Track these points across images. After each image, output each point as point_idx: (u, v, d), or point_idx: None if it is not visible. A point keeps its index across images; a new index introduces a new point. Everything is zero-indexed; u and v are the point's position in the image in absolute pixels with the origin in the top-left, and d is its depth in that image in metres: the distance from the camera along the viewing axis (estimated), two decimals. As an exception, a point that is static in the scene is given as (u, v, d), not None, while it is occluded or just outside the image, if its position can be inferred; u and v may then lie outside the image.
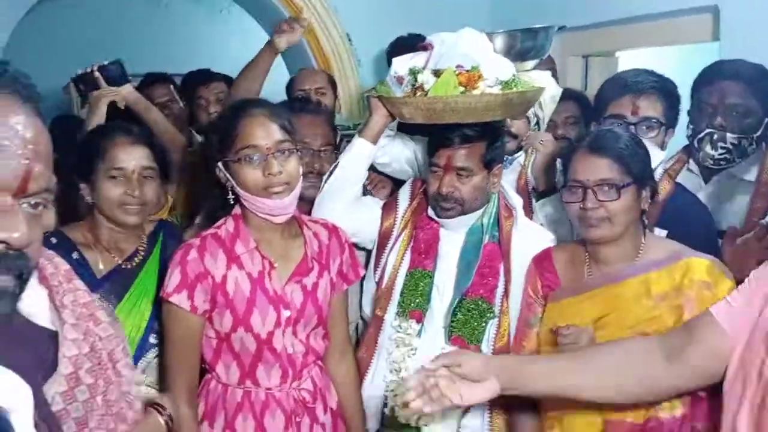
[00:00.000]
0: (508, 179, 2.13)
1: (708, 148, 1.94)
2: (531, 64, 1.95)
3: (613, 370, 1.37)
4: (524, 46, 1.89)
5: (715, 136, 1.92)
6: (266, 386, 1.60)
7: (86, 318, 1.19)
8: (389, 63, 2.84)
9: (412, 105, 1.69)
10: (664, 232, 1.84)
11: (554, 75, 2.71)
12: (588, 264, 1.69)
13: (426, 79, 1.67)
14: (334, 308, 1.70)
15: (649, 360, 1.34)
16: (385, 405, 1.81)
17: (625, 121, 1.91)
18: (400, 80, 1.74)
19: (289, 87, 2.73)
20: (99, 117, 2.10)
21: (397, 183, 2.13)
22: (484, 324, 1.75)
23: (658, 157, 1.81)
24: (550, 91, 2.07)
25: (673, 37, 2.84)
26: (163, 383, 1.62)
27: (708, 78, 1.97)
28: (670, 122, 1.95)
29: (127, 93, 2.22)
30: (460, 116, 1.66)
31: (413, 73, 1.70)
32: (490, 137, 1.77)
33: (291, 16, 2.24)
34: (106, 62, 2.18)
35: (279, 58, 3.87)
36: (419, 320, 1.79)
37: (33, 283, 1.13)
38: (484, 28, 1.85)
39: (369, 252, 1.97)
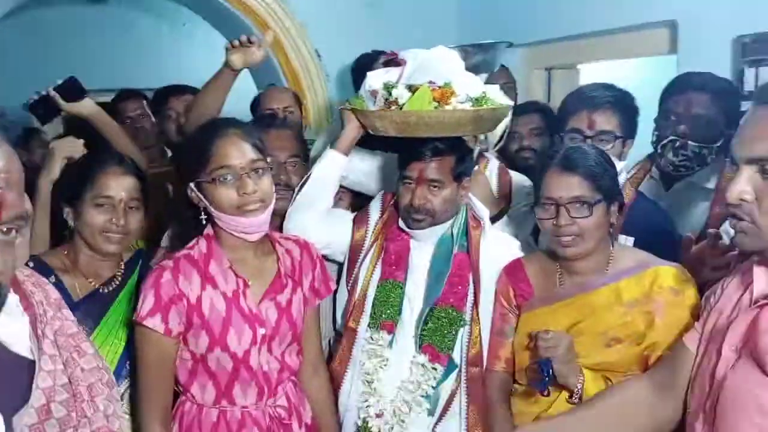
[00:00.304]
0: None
1: (670, 155, 2.02)
2: (482, 77, 2.00)
3: (614, 428, 1.47)
4: (476, 60, 1.94)
5: (677, 143, 1.99)
6: (242, 404, 1.59)
7: (71, 348, 1.18)
8: (354, 79, 2.90)
9: (387, 118, 1.72)
10: (630, 239, 1.90)
11: (514, 89, 2.78)
12: (560, 273, 1.73)
13: (400, 93, 1.70)
14: (306, 324, 1.71)
15: (646, 405, 1.42)
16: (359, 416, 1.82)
17: (583, 135, 1.98)
18: (374, 94, 1.77)
19: (255, 105, 2.71)
20: (53, 174, 1.88)
21: (357, 196, 2.16)
22: (454, 332, 1.78)
23: (617, 167, 1.86)
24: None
25: (633, 50, 2.92)
26: (135, 408, 1.59)
27: (676, 88, 2.06)
28: (627, 134, 2.02)
29: (88, 107, 2.13)
30: (433, 130, 1.70)
31: (387, 87, 1.73)
32: (459, 151, 1.81)
33: (248, 35, 2.08)
34: (59, 81, 2.10)
35: (246, 72, 3.89)
36: (390, 331, 1.81)
37: (15, 310, 1.12)
38: (451, 44, 1.90)
39: (340, 265, 1.98)
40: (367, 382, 1.80)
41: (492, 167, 2.21)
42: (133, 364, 1.64)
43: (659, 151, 2.05)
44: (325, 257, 1.87)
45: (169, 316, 1.52)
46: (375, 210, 1.95)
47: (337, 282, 1.92)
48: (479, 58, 1.94)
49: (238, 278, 1.58)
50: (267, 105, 2.61)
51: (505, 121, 2.01)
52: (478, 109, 1.72)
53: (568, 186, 1.61)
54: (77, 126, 2.77)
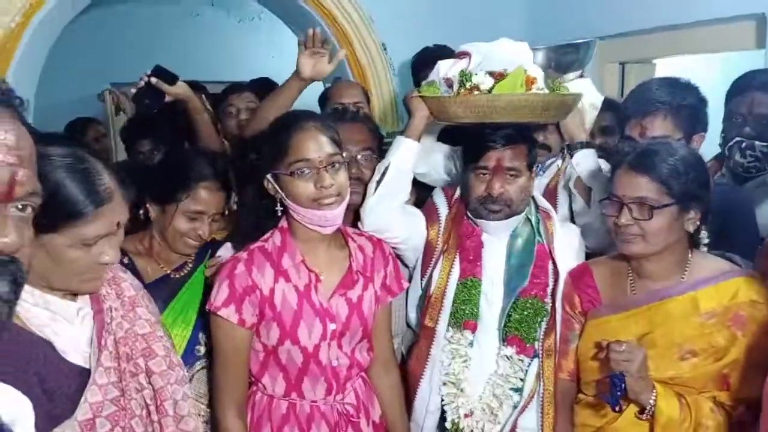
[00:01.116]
0: (540, 183, 2.13)
1: (737, 156, 2.00)
2: (572, 76, 1.96)
3: None
4: (566, 59, 1.92)
5: (744, 144, 1.98)
6: (311, 399, 1.60)
7: (137, 354, 1.22)
8: (414, 72, 2.88)
9: (469, 104, 1.69)
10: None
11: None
12: (631, 278, 1.67)
13: (482, 80, 1.68)
14: (378, 321, 1.70)
15: None
16: (443, 418, 1.80)
17: (636, 143, 1.89)
18: (448, 82, 1.75)
19: (324, 98, 2.70)
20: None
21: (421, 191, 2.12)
22: (539, 323, 1.77)
23: None
24: (590, 98, 2.06)
25: (716, 44, 2.79)
26: (212, 396, 1.62)
27: (739, 88, 2.03)
28: (689, 132, 1.92)
29: (186, 89, 2.17)
30: (517, 115, 1.68)
31: (465, 75, 1.70)
32: (530, 139, 1.82)
33: (320, 34, 2.05)
34: (148, 72, 2.14)
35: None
36: (474, 330, 1.79)
37: (75, 317, 1.17)
38: (521, 37, 1.86)
39: (405, 263, 1.96)
40: (452, 383, 1.78)
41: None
42: (209, 351, 1.67)
43: (727, 153, 2.03)
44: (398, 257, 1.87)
45: (243, 307, 1.53)
46: (442, 205, 1.92)
47: (409, 280, 1.92)
48: (571, 57, 1.92)
49: (310, 272, 1.59)
50: (337, 99, 2.59)
51: (593, 114, 1.98)
52: (563, 94, 1.73)
53: (634, 186, 1.56)
54: (144, 118, 2.85)
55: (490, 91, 1.67)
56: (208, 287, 1.67)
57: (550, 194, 2.09)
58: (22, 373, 1.05)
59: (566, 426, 1.75)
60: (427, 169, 2.07)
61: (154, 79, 2.07)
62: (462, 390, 1.78)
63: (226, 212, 1.80)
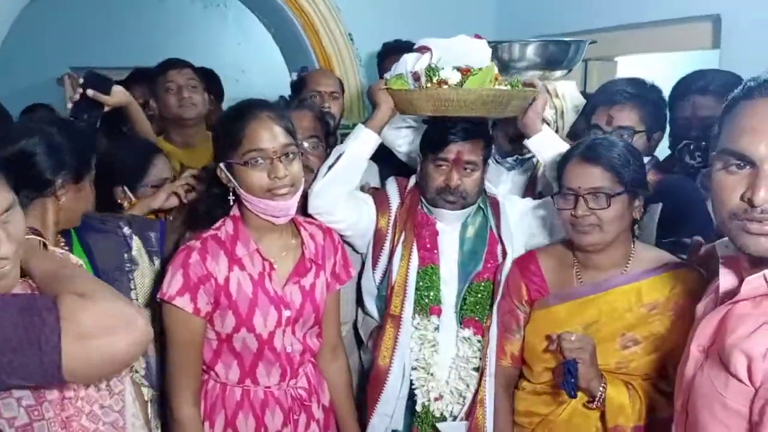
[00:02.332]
0: (518, 180, 2.20)
1: (687, 158, 2.05)
2: (558, 74, 1.98)
3: None
4: (556, 56, 1.95)
5: (692, 147, 2.02)
6: (265, 385, 1.61)
7: None
8: (379, 66, 2.87)
9: (435, 97, 1.71)
10: (658, 206, 1.87)
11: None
12: (577, 268, 1.70)
13: (449, 75, 1.71)
14: (327, 308, 1.72)
15: None
16: (413, 402, 1.84)
17: (602, 131, 1.97)
18: (416, 76, 1.77)
19: (299, 85, 2.69)
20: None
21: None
22: (491, 303, 1.83)
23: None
24: (574, 100, 2.10)
25: (673, 44, 2.85)
26: (164, 384, 1.60)
27: (679, 92, 2.09)
28: (651, 128, 1.99)
29: (123, 94, 2.09)
30: (485, 109, 1.72)
31: (433, 69, 1.72)
32: (487, 134, 1.87)
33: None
34: (81, 80, 2.03)
35: (279, 56, 3.88)
36: (439, 314, 1.84)
37: None
38: (489, 31, 1.88)
39: (357, 252, 1.99)
40: (422, 368, 1.83)
41: None
42: (162, 343, 1.65)
43: (677, 154, 2.07)
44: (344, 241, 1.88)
45: (198, 296, 1.52)
46: (393, 195, 1.94)
47: (361, 269, 1.94)
48: (561, 55, 1.93)
49: (264, 260, 1.59)
50: (313, 87, 2.60)
51: (573, 116, 2.04)
52: (525, 90, 1.77)
53: (587, 177, 1.59)
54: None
55: (460, 85, 1.70)
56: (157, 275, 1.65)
57: (532, 187, 2.16)
58: None
59: (506, 411, 1.78)
60: (410, 148, 2.09)
61: (90, 92, 1.97)
62: (432, 374, 1.83)
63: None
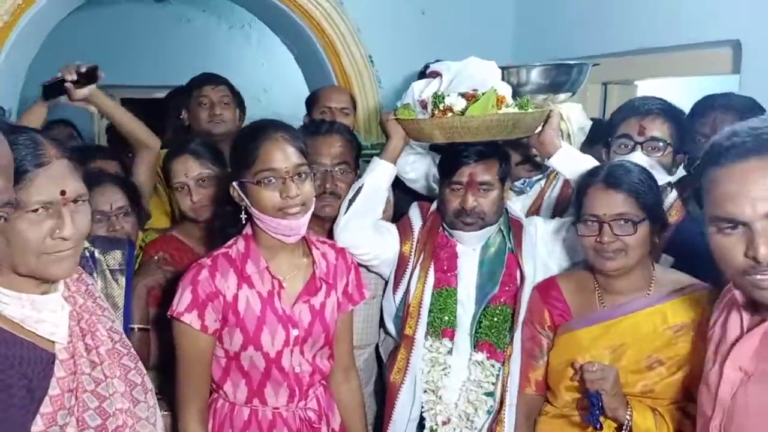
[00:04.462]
0: (527, 203, 2.18)
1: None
2: (563, 97, 1.99)
3: None
4: (559, 79, 1.94)
5: None
6: (273, 405, 1.61)
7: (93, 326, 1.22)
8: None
9: (443, 126, 1.73)
10: (670, 259, 1.85)
11: None
12: (599, 293, 1.69)
13: (454, 101, 1.72)
14: (339, 329, 1.71)
15: None
16: (422, 426, 1.83)
17: (633, 140, 1.93)
18: (423, 104, 1.79)
19: (312, 101, 2.70)
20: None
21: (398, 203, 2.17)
22: (508, 328, 1.81)
23: (663, 180, 1.83)
24: (580, 123, 2.09)
25: (694, 68, 2.83)
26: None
27: (700, 110, 2.06)
28: (678, 146, 1.96)
29: (87, 91, 2.06)
30: (491, 134, 1.73)
31: (438, 97, 1.74)
32: (502, 154, 1.87)
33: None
34: (83, 69, 2.08)
35: (301, 76, 3.93)
36: (452, 338, 1.83)
37: (59, 307, 1.15)
38: (507, 55, 1.90)
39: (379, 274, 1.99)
40: (431, 390, 1.82)
41: (561, 176, 2.17)
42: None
43: (692, 172, 2.00)
44: (367, 268, 1.90)
45: (206, 313, 1.54)
46: (416, 220, 1.96)
47: (383, 291, 1.96)
48: (563, 78, 1.94)
49: (274, 279, 1.60)
50: (325, 103, 2.62)
51: (581, 138, 2.02)
52: (533, 112, 1.77)
53: (612, 203, 1.59)
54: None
55: (463, 112, 1.71)
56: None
57: (537, 212, 2.14)
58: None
59: None
60: (417, 176, 2.13)
61: (69, 85, 2.01)
62: (440, 397, 1.81)
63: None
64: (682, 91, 2.98)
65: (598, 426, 1.55)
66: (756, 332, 1.15)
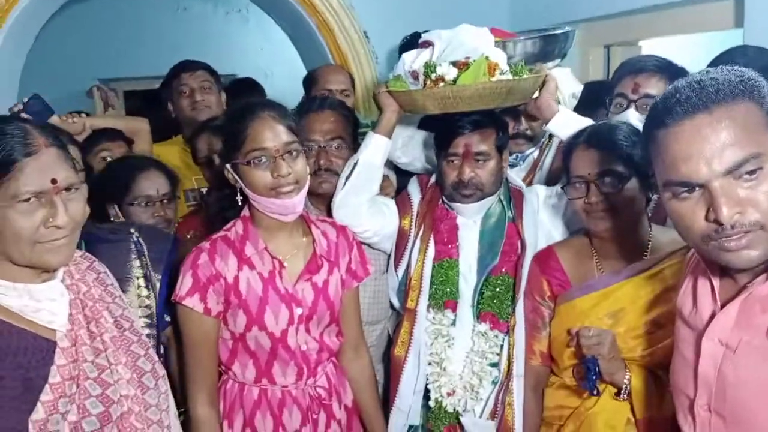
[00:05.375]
0: (518, 176, 2.15)
1: None
2: (551, 65, 1.97)
3: None
4: (545, 50, 1.92)
5: None
6: (282, 384, 1.61)
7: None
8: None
9: (436, 96, 1.70)
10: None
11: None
12: (597, 259, 1.67)
13: (446, 70, 1.69)
14: (345, 305, 1.71)
15: None
16: (427, 397, 1.83)
17: (627, 99, 1.91)
18: (414, 74, 1.76)
19: (310, 82, 2.66)
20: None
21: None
22: (510, 298, 1.80)
23: None
24: (571, 88, 2.06)
25: (696, 24, 2.76)
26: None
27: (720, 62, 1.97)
28: None
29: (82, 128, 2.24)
30: (485, 102, 1.70)
31: (429, 66, 1.71)
32: (499, 123, 1.84)
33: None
34: (25, 100, 2.15)
35: (295, 53, 3.89)
36: (454, 309, 1.82)
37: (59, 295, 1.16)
38: (504, 22, 1.86)
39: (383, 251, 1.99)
40: (436, 363, 1.81)
41: (554, 142, 2.18)
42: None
43: None
44: (369, 245, 1.89)
45: (207, 295, 1.54)
46: (415, 194, 1.95)
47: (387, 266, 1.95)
48: (550, 47, 1.92)
49: (274, 259, 1.60)
50: (324, 85, 2.57)
51: (572, 104, 1.99)
52: (526, 78, 1.74)
53: (595, 161, 1.56)
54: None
55: (455, 81, 1.68)
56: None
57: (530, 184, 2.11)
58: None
59: (535, 414, 1.76)
60: (409, 159, 2.11)
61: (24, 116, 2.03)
62: (444, 369, 1.81)
63: None
64: (685, 50, 2.93)
65: (595, 392, 1.54)
66: (732, 305, 1.07)
